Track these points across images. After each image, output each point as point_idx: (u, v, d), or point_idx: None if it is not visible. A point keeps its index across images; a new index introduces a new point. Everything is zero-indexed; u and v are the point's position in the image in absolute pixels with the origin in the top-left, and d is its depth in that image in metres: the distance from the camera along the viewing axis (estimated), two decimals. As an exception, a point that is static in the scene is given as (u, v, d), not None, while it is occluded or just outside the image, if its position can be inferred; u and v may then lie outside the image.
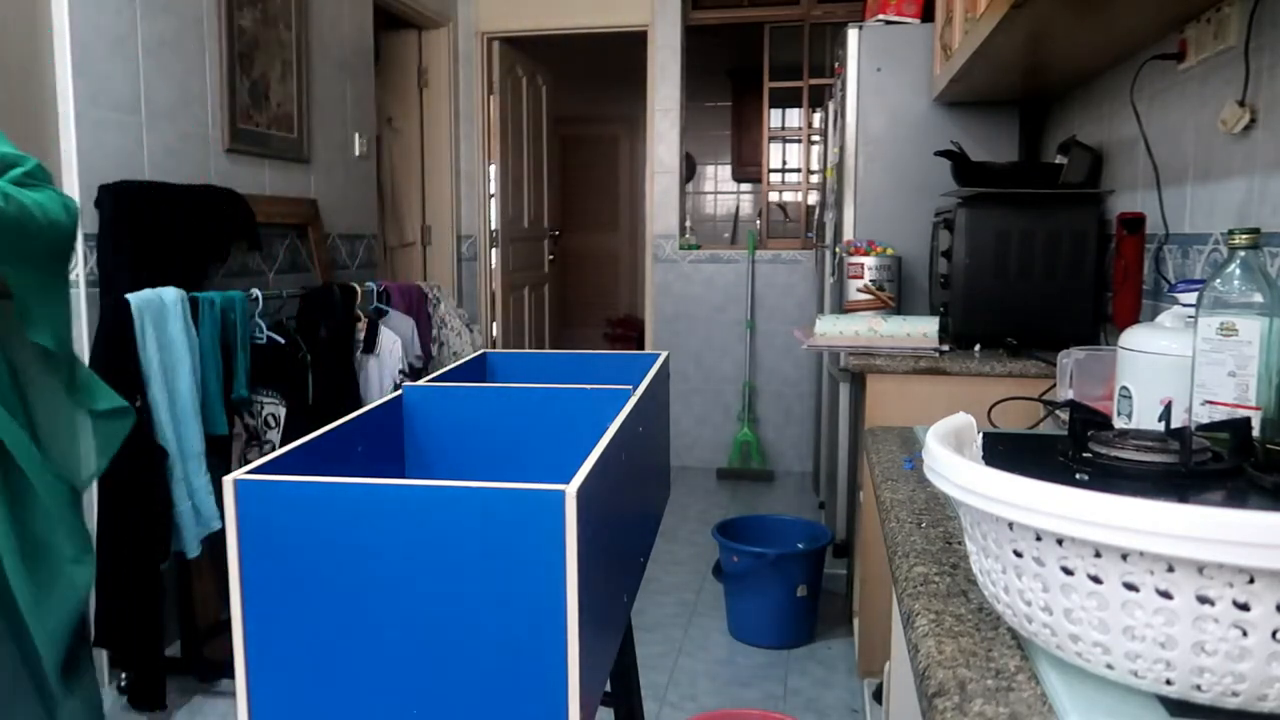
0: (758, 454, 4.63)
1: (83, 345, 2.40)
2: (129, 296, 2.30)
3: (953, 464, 0.61)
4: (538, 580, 0.72)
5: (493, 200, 4.74)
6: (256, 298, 2.52)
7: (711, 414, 4.72)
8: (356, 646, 0.76)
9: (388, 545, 0.74)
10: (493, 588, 0.73)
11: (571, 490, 0.71)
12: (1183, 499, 0.69)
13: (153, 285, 2.38)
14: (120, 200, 2.40)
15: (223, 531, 0.86)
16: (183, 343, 2.28)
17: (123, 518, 2.31)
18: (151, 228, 2.45)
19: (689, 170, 5.80)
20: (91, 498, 2.43)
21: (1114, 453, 0.76)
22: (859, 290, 2.66)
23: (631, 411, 1.02)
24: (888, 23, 2.96)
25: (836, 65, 3.39)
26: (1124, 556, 0.53)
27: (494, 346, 4.86)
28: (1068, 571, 0.56)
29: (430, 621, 0.74)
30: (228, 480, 0.76)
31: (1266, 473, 0.72)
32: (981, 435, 0.78)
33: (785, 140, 6.37)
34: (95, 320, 2.39)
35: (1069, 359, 1.48)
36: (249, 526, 0.76)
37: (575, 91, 6.57)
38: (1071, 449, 0.80)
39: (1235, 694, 0.53)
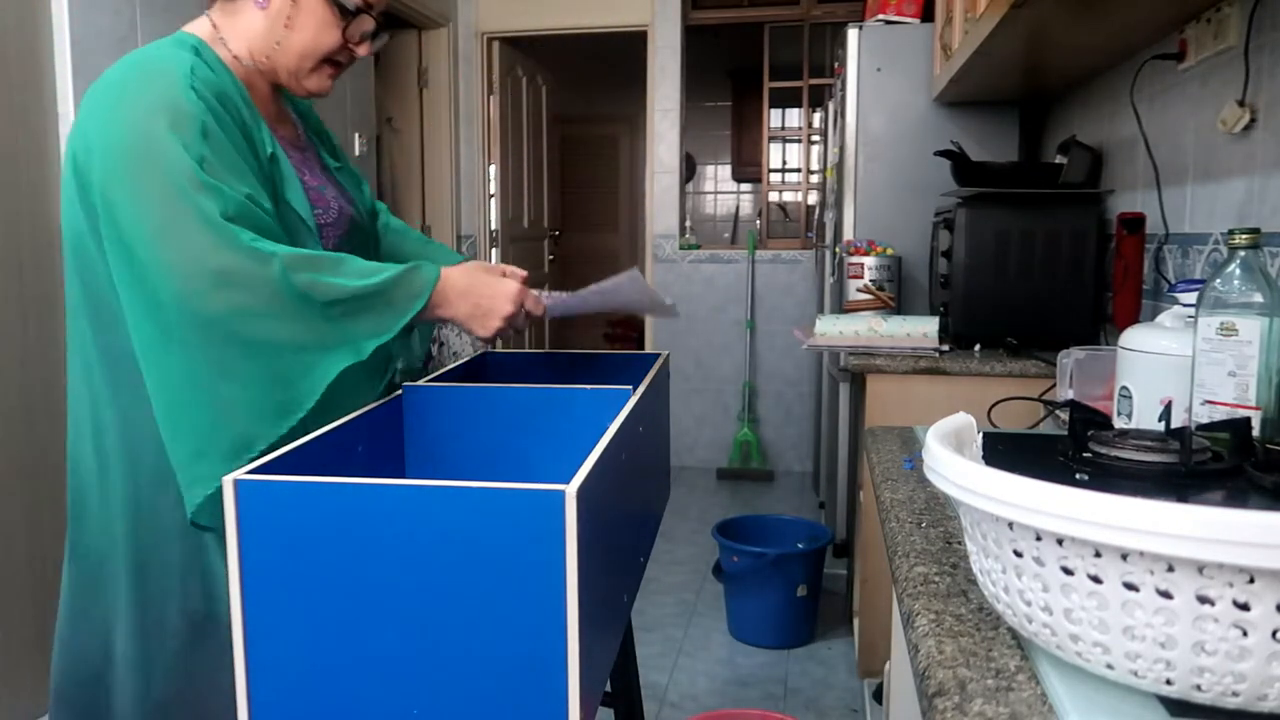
0: (758, 454, 4.63)
1: (83, 345, 2.40)
2: (129, 296, 2.30)
3: (953, 464, 0.61)
4: (538, 580, 0.72)
5: (493, 200, 4.74)
6: (256, 298, 2.52)
7: (711, 414, 4.72)
8: (356, 646, 0.76)
9: (388, 545, 0.74)
10: (493, 588, 0.73)
11: (571, 490, 0.71)
12: (1183, 499, 0.69)
13: (153, 285, 2.38)
14: (120, 200, 2.40)
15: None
16: (183, 343, 2.28)
17: (123, 518, 2.31)
18: (151, 228, 2.45)
19: (689, 170, 5.80)
20: (91, 498, 2.43)
21: (1114, 453, 0.76)
22: (859, 290, 2.66)
23: (631, 411, 1.02)
24: (888, 23, 2.96)
25: (836, 65, 3.39)
26: (1124, 556, 0.53)
27: (494, 347, 4.86)
28: (1068, 571, 0.56)
29: (430, 621, 0.74)
30: (227, 480, 0.76)
31: (1266, 473, 0.72)
32: (981, 435, 0.78)
33: (785, 140, 6.37)
34: (95, 320, 2.39)
35: (1069, 359, 1.48)
36: (249, 526, 0.76)
37: (575, 91, 6.56)
38: (1071, 449, 0.80)
39: (1235, 694, 0.53)
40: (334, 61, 1.21)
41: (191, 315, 1.00)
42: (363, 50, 1.21)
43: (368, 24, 1.20)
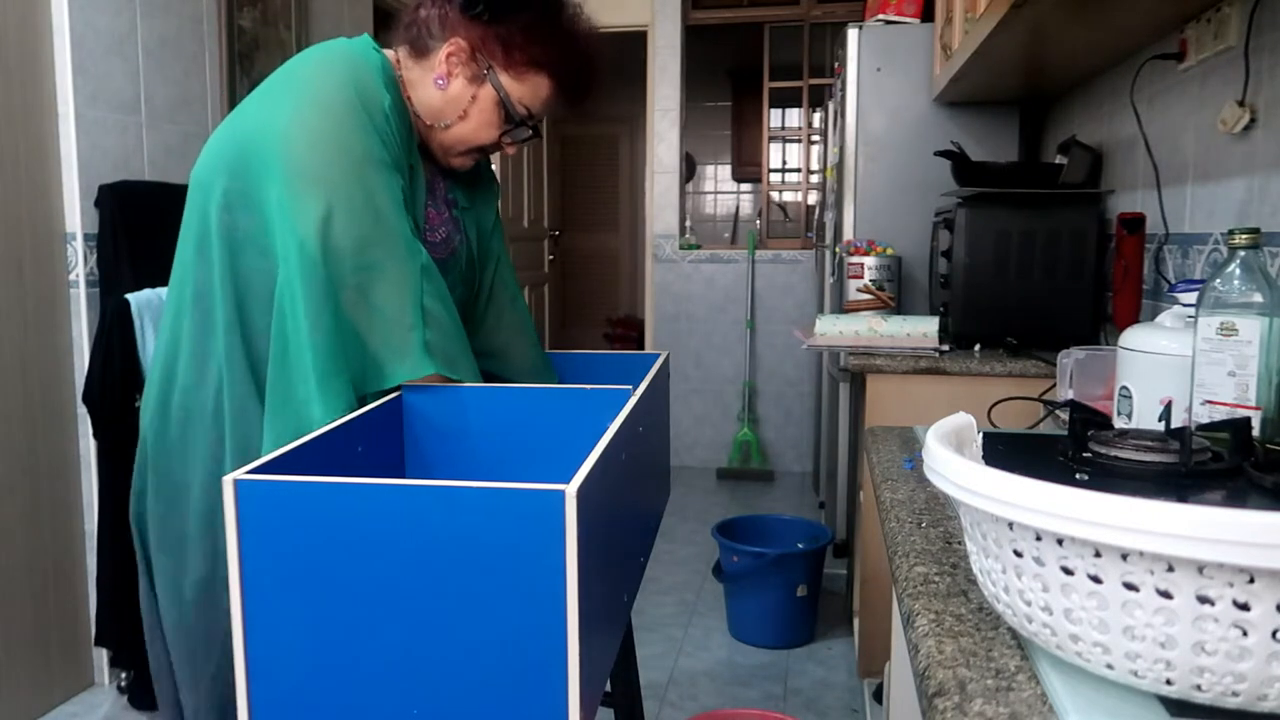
0: (758, 454, 4.63)
1: (83, 345, 2.40)
2: (129, 296, 2.30)
3: (952, 464, 0.61)
4: (538, 580, 0.72)
5: (493, 200, 4.73)
6: (256, 298, 2.52)
7: (711, 414, 4.72)
8: (356, 646, 0.76)
9: (388, 545, 0.74)
10: (493, 588, 0.73)
11: (571, 490, 0.71)
12: (1183, 499, 0.69)
13: (153, 285, 2.38)
14: (120, 200, 2.40)
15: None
16: (183, 343, 2.28)
17: (123, 517, 2.31)
18: (152, 228, 2.45)
19: (689, 170, 5.80)
20: (92, 498, 2.43)
21: (1114, 453, 0.76)
22: (859, 290, 2.66)
23: (631, 411, 1.02)
24: (888, 23, 2.96)
25: (836, 65, 3.39)
26: (1124, 556, 0.53)
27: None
28: (1068, 571, 0.56)
29: (430, 621, 0.74)
30: (227, 480, 0.76)
31: (1266, 473, 0.72)
32: (981, 435, 0.78)
33: (785, 140, 6.37)
34: (95, 320, 2.39)
35: (1069, 359, 1.48)
36: (249, 526, 0.76)
37: (575, 91, 6.54)
38: (1071, 449, 0.80)
39: (1235, 694, 0.53)
40: (483, 149, 1.28)
41: (317, 259, 1.05)
42: (510, 150, 1.30)
43: (525, 132, 1.27)
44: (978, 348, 2.24)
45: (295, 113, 1.10)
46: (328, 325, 1.06)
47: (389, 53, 1.25)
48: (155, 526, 1.18)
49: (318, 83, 1.12)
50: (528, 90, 1.22)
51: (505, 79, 1.21)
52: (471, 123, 1.23)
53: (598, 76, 1.29)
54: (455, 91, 1.21)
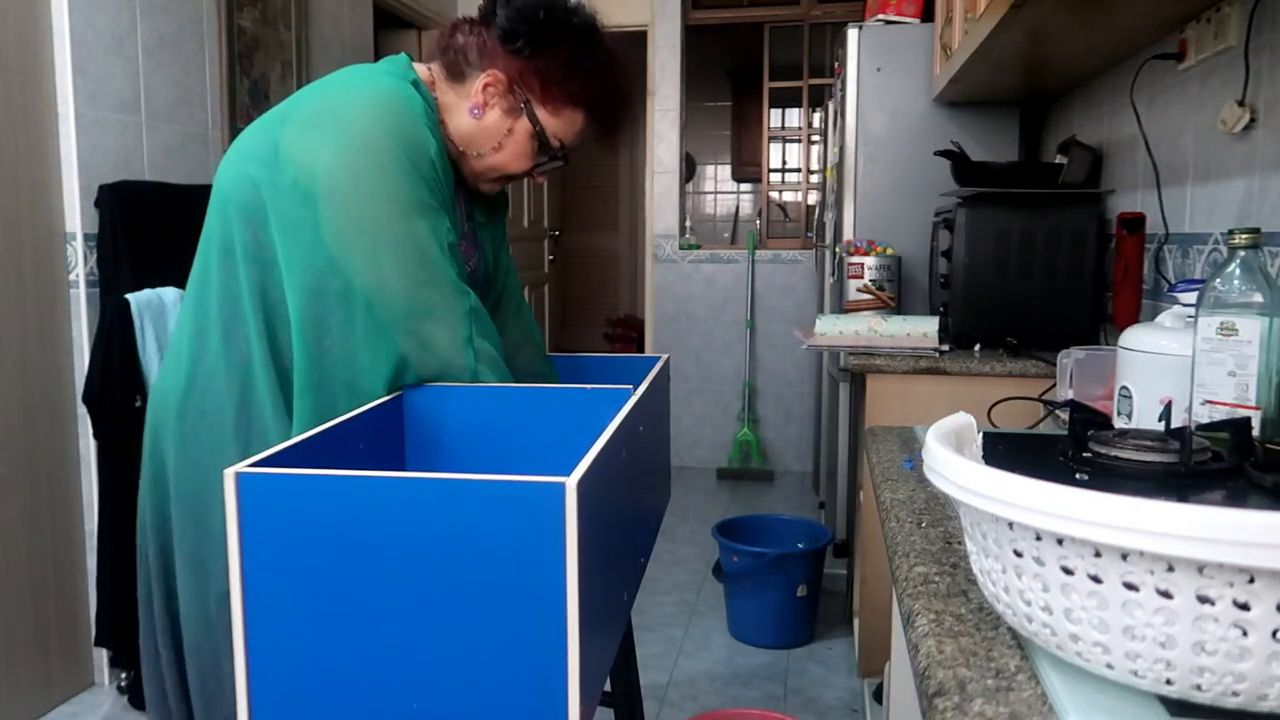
0: (758, 454, 4.63)
1: (83, 345, 2.40)
2: (129, 296, 2.30)
3: (952, 464, 0.61)
4: (538, 574, 0.72)
5: (493, 200, 4.73)
6: (256, 297, 2.52)
7: (711, 414, 4.72)
8: (357, 641, 0.76)
9: (388, 539, 0.74)
10: (493, 581, 0.73)
11: (572, 483, 0.71)
12: (1183, 499, 0.69)
13: (153, 285, 2.38)
14: (120, 200, 2.40)
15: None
16: (183, 342, 2.28)
17: (123, 517, 2.31)
18: (151, 228, 2.45)
19: (689, 170, 5.80)
20: (92, 498, 2.43)
21: (1114, 453, 0.76)
22: (859, 290, 2.66)
23: (631, 411, 1.02)
24: (888, 23, 2.96)
25: (836, 65, 3.39)
26: (1124, 556, 0.53)
27: (494, 346, 4.85)
28: (1068, 571, 0.56)
29: (431, 616, 0.74)
30: (228, 473, 0.76)
31: (1266, 473, 0.72)
32: (981, 435, 0.78)
33: (785, 140, 6.37)
34: (95, 320, 2.39)
35: (1069, 359, 1.48)
36: (250, 520, 0.76)
37: (575, 91, 6.54)
38: (1071, 449, 0.80)
39: (1235, 694, 0.53)
40: (513, 177, 1.29)
41: (377, 321, 1.09)
42: (540, 179, 1.32)
43: (556, 162, 1.28)
44: (978, 348, 2.24)
45: (341, 157, 1.09)
46: (381, 368, 1.10)
47: (422, 69, 1.24)
48: (176, 541, 1.17)
49: (364, 130, 1.10)
50: (563, 124, 1.23)
51: (541, 113, 1.21)
52: (506, 153, 1.23)
53: (631, 111, 1.30)
54: (490, 122, 1.22)
